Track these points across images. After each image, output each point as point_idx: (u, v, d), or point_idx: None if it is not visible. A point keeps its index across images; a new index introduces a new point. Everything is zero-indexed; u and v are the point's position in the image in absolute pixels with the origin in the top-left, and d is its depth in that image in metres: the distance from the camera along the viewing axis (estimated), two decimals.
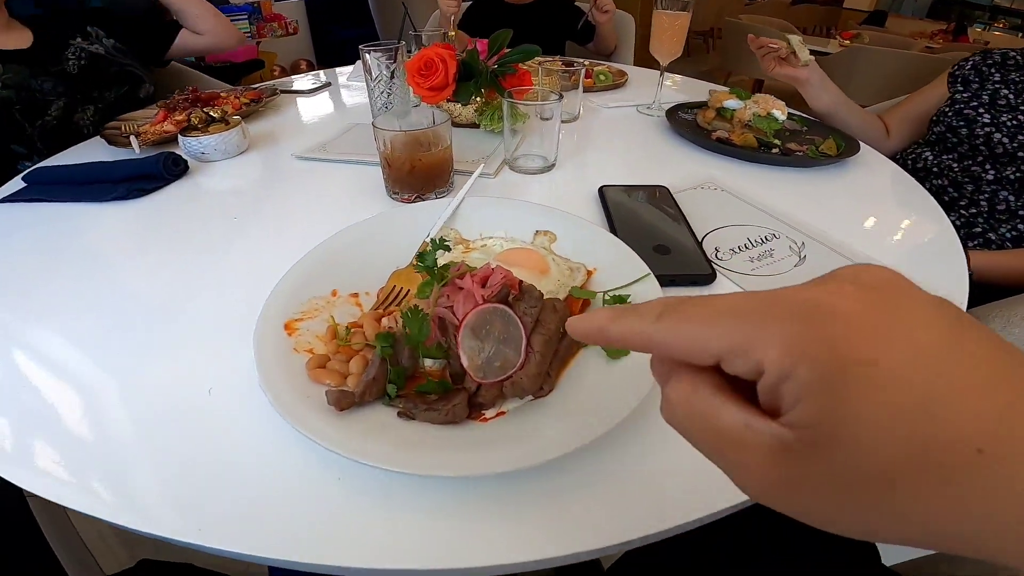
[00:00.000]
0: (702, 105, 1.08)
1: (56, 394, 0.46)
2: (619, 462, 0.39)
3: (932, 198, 0.81)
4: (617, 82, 1.30)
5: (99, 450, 0.41)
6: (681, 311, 0.19)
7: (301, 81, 1.40)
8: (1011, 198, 0.96)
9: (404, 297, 0.52)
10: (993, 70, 1.04)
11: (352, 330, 0.46)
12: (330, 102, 1.26)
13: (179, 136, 0.90)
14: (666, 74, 1.14)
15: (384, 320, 0.47)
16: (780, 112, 0.95)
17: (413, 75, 0.87)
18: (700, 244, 0.63)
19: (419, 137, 0.70)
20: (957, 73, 1.09)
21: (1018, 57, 1.02)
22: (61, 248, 0.68)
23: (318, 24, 3.89)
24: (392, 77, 1.00)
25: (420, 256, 0.46)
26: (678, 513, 0.36)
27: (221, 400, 0.44)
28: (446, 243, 0.47)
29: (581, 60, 1.38)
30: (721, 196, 0.77)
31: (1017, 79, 0.99)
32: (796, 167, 0.88)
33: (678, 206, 0.71)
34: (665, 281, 0.52)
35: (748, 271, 0.61)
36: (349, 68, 1.51)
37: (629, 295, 0.48)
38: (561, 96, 0.77)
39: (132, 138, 0.92)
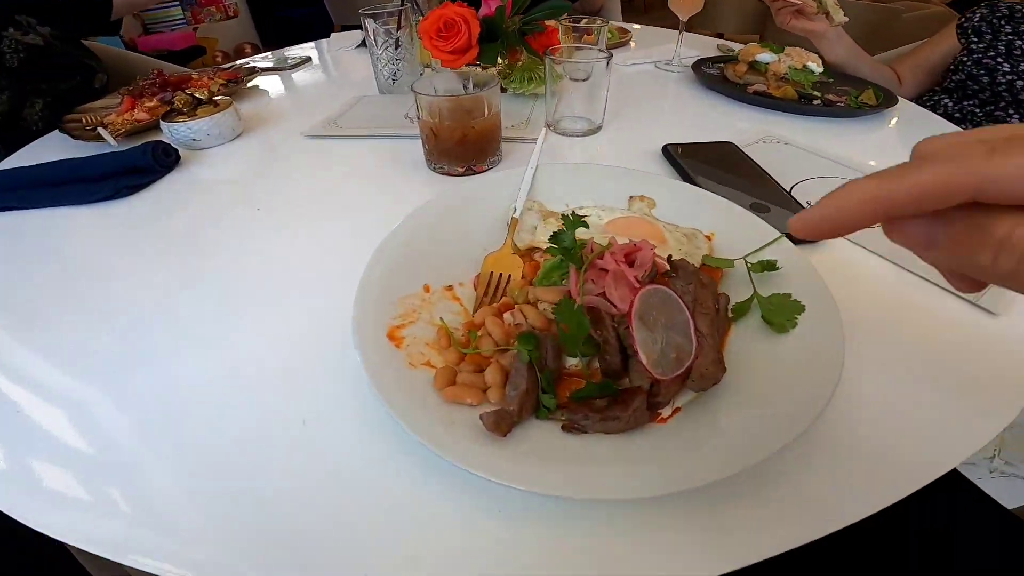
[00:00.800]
0: (725, 59, 1.03)
1: (118, 433, 0.37)
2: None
3: None
4: (622, 39, 1.23)
5: (187, 499, 0.32)
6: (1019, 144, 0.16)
7: (268, 61, 1.25)
8: None
9: (507, 285, 0.44)
10: (1003, 22, 1.04)
11: (476, 333, 0.38)
12: (318, 78, 1.13)
13: (162, 123, 0.77)
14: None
15: (506, 315, 0.39)
16: (815, 64, 0.91)
17: (431, 37, 0.78)
18: (796, 200, 0.58)
19: (466, 103, 0.62)
20: (966, 25, 1.09)
21: None
22: (50, 261, 0.56)
23: (259, 5, 3.60)
24: (397, 46, 0.90)
25: (556, 237, 0.38)
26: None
27: (320, 432, 0.36)
28: (581, 219, 0.39)
29: (589, 16, 1.29)
30: (787, 149, 0.72)
31: None
32: (840, 117, 0.84)
33: (754, 161, 0.66)
34: None
35: None
36: (307, 45, 1.37)
37: (776, 260, 0.42)
38: (611, 55, 0.70)
39: (101, 130, 0.79)
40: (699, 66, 1.00)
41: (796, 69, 0.90)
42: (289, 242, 0.56)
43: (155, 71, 0.99)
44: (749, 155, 0.67)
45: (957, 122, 1.05)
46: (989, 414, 0.36)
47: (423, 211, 0.49)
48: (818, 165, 0.68)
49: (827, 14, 0.95)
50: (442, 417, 0.33)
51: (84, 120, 0.87)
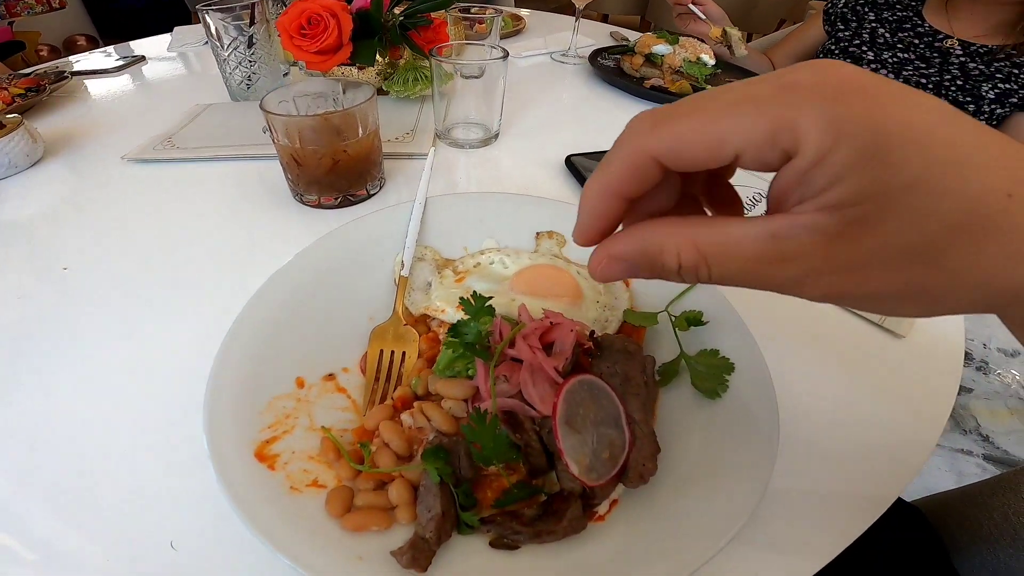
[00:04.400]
0: (621, 50, 0.99)
1: None
2: None
3: None
4: (516, 27, 1.16)
5: None
6: (679, 113, 0.17)
7: (94, 60, 1.01)
8: None
9: (401, 365, 0.36)
10: (867, 9, 1.09)
11: (370, 446, 0.30)
12: (154, 83, 0.93)
13: None
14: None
15: (404, 417, 0.31)
16: (708, 57, 0.90)
17: (292, 36, 0.65)
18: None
19: (335, 120, 0.51)
20: (831, 11, 1.13)
21: None
22: None
23: None
24: (251, 45, 0.75)
25: (455, 329, 0.31)
26: None
27: (192, 558, 0.29)
28: (487, 304, 0.31)
29: (482, 5, 1.19)
30: None
31: (890, 17, 1.05)
32: None
33: None
34: None
35: None
36: (162, 37, 1.14)
37: (702, 312, 0.38)
38: (506, 52, 0.62)
39: None
40: (595, 57, 0.95)
41: (690, 62, 0.88)
42: (113, 312, 0.43)
43: None
44: None
45: None
46: (920, 432, 0.36)
47: (284, 275, 0.39)
48: None
49: (729, 47, 0.95)
50: (346, 551, 0.27)
51: None
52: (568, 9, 1.05)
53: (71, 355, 0.39)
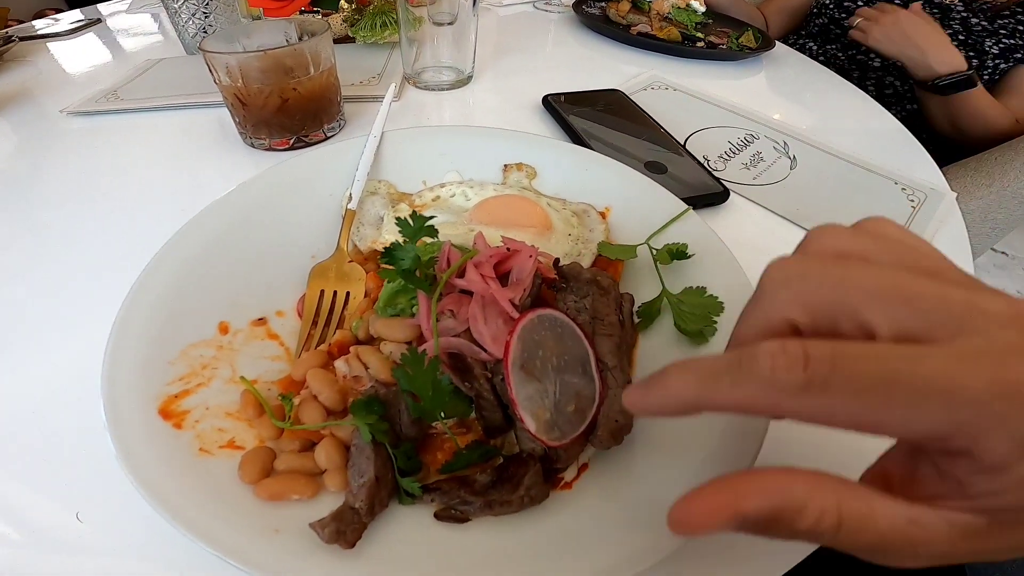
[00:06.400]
0: None
1: None
2: None
3: (851, 84, 0.79)
4: None
5: None
6: (852, 376, 0.14)
7: (52, 25, 0.95)
8: (897, 82, 1.00)
9: (344, 308, 0.32)
10: None
11: (293, 399, 0.26)
12: (107, 43, 0.87)
13: None
14: None
15: (338, 364, 0.27)
16: (698, 3, 0.84)
17: None
18: (692, 155, 0.51)
19: (283, 59, 0.46)
20: None
21: None
22: None
23: None
24: None
25: (389, 253, 0.26)
26: None
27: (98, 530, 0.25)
28: (429, 224, 0.26)
29: None
30: (675, 96, 0.65)
31: None
32: (723, 60, 0.80)
33: (644, 111, 0.57)
34: None
35: (750, 181, 0.51)
36: (103, 4, 1.08)
37: (686, 245, 0.33)
38: None
39: None
40: (580, 5, 0.90)
41: (679, 8, 0.83)
42: (29, 262, 0.39)
43: None
44: (639, 104, 0.59)
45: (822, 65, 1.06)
46: None
47: (215, 211, 0.34)
48: (709, 113, 0.61)
49: None
50: (260, 523, 0.22)
51: None
52: None
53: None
